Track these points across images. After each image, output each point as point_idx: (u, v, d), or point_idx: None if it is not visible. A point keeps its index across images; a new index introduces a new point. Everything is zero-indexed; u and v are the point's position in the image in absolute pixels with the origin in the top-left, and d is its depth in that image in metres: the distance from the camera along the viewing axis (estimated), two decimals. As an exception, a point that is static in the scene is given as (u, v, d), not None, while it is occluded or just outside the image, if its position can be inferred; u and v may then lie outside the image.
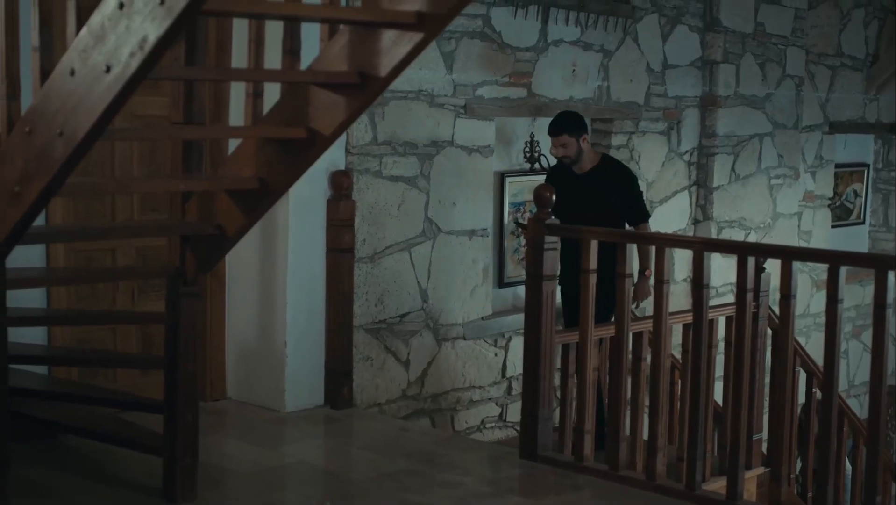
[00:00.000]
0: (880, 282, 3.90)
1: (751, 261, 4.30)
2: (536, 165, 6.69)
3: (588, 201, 5.83)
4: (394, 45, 3.33)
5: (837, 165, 9.31)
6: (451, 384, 6.28)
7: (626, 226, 5.97)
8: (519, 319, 5.43)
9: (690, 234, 7.76)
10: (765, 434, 5.35)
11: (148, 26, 2.78)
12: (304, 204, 5.26)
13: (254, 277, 5.43)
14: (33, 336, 4.77)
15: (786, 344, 4.32)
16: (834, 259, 4.08)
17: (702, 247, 4.38)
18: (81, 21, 3.01)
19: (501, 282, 6.76)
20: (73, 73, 2.99)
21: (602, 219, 5.46)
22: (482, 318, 6.39)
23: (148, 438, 4.26)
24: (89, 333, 5.14)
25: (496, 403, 6.58)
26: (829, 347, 4.05)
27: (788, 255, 4.26)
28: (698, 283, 4.38)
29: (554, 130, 5.98)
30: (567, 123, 5.94)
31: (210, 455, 4.45)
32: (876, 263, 4.00)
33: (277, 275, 5.34)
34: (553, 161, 6.29)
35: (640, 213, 6.06)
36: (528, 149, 6.71)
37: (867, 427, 4.29)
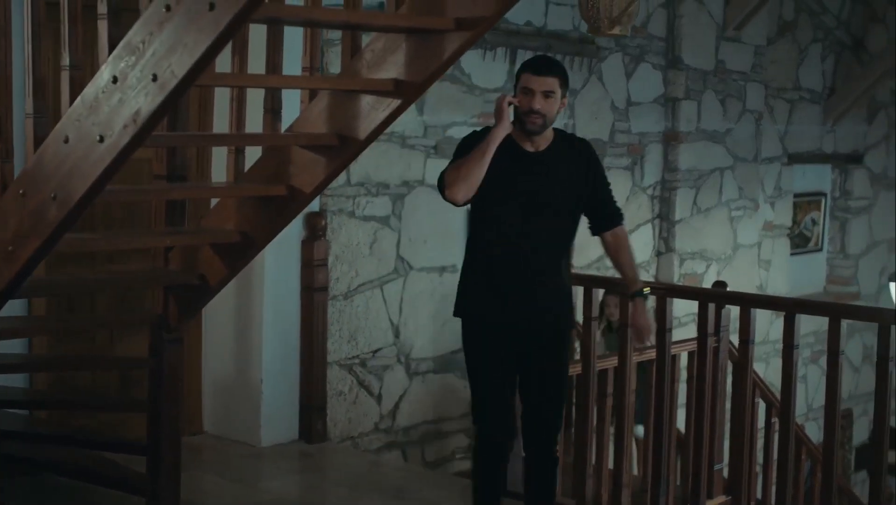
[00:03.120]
0: (834, 330, 4.08)
1: (711, 307, 4.48)
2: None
3: (542, 193, 3.97)
4: (372, 109, 3.49)
5: (796, 195, 9.54)
6: (422, 417, 6.42)
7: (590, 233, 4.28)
8: (488, 353, 5.57)
9: (654, 265, 7.95)
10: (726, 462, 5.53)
11: (141, 100, 2.92)
12: (279, 244, 5.35)
13: (230, 314, 5.56)
14: (14, 377, 4.85)
15: (744, 385, 4.51)
16: (790, 307, 4.26)
17: (665, 293, 4.55)
18: (75, 91, 3.16)
19: (470, 315, 6.89)
20: (66, 140, 3.12)
21: (559, 221, 4.00)
22: (451, 352, 6.52)
23: (131, 478, 4.32)
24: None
25: (465, 435, 6.72)
26: (785, 392, 4.23)
27: (747, 302, 4.45)
28: (661, 328, 4.56)
29: (544, 68, 3.91)
30: (561, 68, 3.95)
31: (190, 492, 4.53)
32: (830, 312, 4.17)
33: (253, 312, 5.48)
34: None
35: (615, 212, 4.23)
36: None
37: (822, 456, 4.49)
